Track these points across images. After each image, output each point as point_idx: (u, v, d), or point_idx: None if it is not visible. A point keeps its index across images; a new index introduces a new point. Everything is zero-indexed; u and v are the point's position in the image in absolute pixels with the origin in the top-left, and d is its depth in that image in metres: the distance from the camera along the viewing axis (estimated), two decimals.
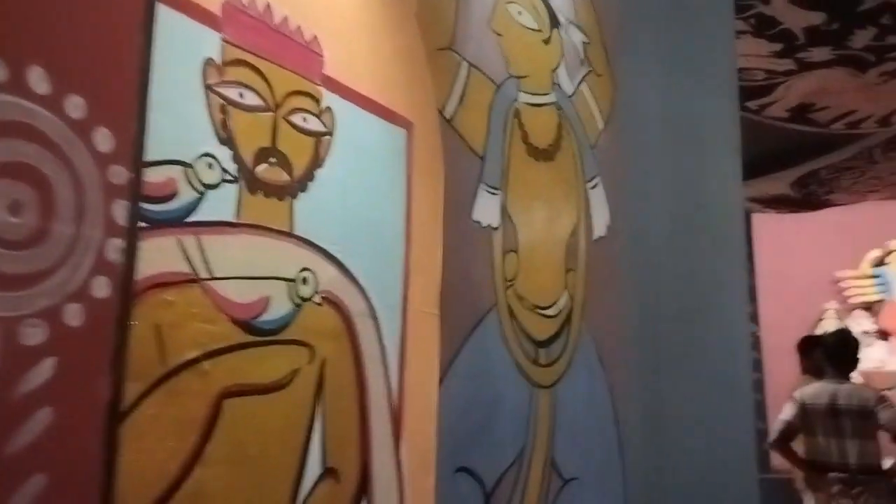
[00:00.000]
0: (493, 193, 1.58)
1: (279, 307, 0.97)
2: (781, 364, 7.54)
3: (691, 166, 2.32)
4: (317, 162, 1.05)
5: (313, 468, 0.98)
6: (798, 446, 3.34)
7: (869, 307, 9.78)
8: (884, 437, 3.14)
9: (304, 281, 1.00)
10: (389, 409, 1.10)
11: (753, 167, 5.57)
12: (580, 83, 1.88)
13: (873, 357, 9.35)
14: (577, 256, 1.80)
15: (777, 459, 4.65)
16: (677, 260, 2.22)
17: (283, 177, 1.00)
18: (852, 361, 3.35)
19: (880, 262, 9.85)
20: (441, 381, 1.36)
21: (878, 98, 3.71)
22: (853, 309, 9.66)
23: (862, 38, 3.13)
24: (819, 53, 3.22)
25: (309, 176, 1.04)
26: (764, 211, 6.58)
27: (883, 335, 9.79)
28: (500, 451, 1.53)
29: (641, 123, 2.13)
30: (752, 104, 3.86)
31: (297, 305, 0.99)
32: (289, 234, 0.99)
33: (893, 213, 9.58)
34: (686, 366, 2.19)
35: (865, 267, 9.90)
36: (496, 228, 1.57)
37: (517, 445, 1.57)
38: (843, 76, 3.42)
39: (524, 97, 1.69)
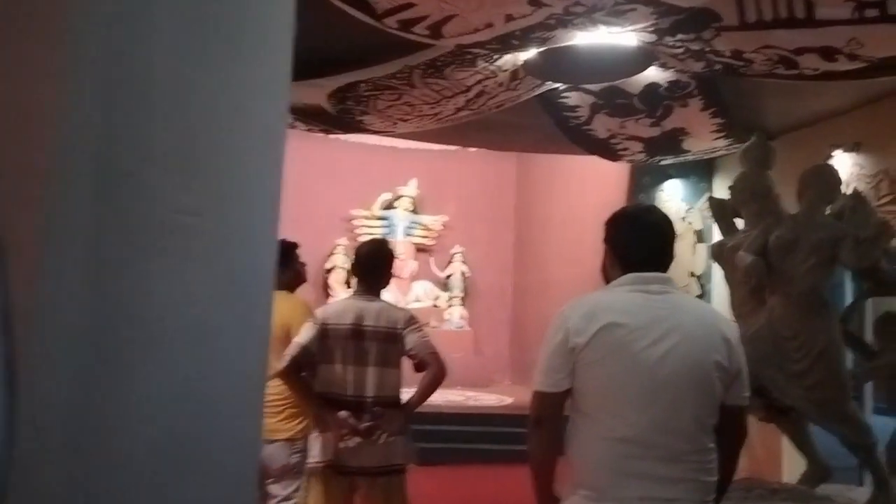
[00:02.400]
0: None
1: None
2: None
3: None
4: None
5: None
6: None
7: None
8: (407, 365, 2.74)
9: None
10: None
11: (296, 66, 4.93)
12: None
13: None
14: None
15: None
16: (190, 76, 1.30)
17: None
18: (385, 276, 2.88)
19: (389, 206, 10.48)
20: None
21: None
22: None
23: None
24: None
25: None
26: (294, 126, 6.02)
27: None
28: None
29: None
30: None
31: None
32: None
33: (407, 159, 10.21)
34: (180, 241, 1.30)
35: (376, 208, 10.43)
36: None
37: None
38: None
39: None
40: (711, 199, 3.98)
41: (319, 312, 2.73)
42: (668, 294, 1.87)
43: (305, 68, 4.77)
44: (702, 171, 7.35)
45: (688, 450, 1.79)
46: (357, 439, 2.61)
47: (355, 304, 2.71)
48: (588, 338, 1.80)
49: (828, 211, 3.39)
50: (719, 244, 3.79)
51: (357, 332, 2.65)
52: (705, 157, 6.86)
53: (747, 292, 3.31)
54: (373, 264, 2.79)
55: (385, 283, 2.84)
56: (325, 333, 2.64)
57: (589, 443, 1.83)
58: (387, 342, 2.68)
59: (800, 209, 3.51)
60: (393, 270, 2.97)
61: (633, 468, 1.77)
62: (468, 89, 5.08)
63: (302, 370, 2.65)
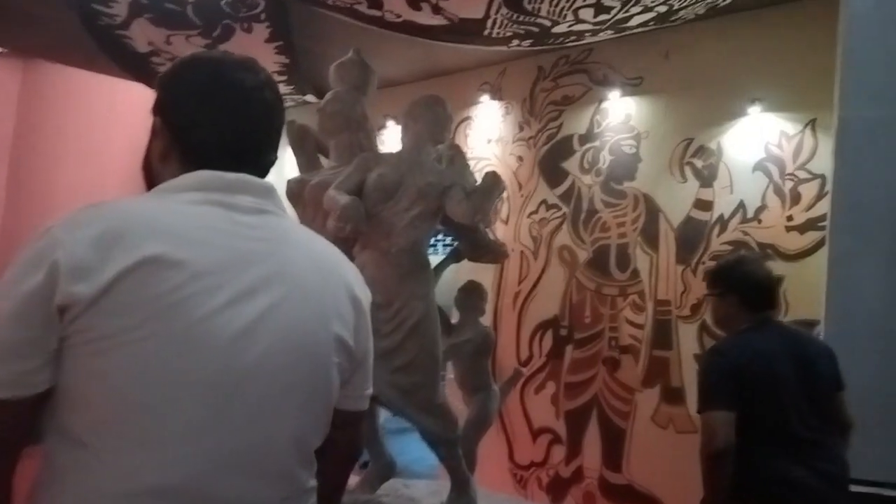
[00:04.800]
0: None
1: None
2: None
3: None
4: None
5: None
6: None
7: None
8: None
9: None
10: None
11: None
12: None
13: None
14: None
15: None
16: None
17: None
18: None
19: None
20: None
21: None
22: None
23: None
24: None
25: None
26: None
27: None
28: None
29: None
30: None
31: None
32: None
33: None
34: None
35: None
36: None
37: None
38: None
39: None
40: (291, 124, 3.19)
41: None
42: (269, 216, 1.04)
43: None
44: None
45: (275, 498, 0.99)
46: None
47: None
48: (102, 286, 0.87)
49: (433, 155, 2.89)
50: (299, 180, 3.01)
51: None
52: None
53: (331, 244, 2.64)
54: None
55: None
56: None
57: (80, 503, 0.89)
58: None
59: (404, 145, 2.96)
60: None
61: None
62: None
63: None
